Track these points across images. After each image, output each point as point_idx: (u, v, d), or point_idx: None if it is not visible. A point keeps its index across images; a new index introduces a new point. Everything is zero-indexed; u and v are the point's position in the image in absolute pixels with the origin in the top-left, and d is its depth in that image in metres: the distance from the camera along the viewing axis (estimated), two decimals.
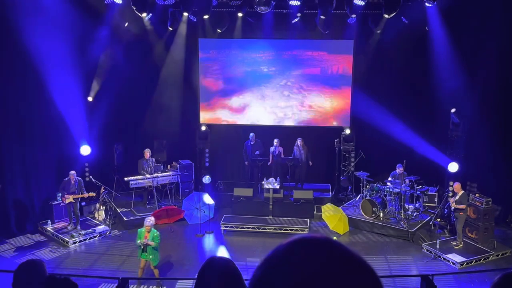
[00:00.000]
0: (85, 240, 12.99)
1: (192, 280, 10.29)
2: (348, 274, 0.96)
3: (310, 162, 15.66)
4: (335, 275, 0.95)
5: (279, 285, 0.96)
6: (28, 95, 13.33)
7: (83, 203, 14.30)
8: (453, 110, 14.09)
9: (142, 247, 10.04)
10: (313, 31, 15.44)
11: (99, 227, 13.65)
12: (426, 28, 14.34)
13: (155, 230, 10.22)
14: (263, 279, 1.01)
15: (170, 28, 15.30)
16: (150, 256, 10.15)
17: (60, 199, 13.46)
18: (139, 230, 10.33)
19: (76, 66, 14.00)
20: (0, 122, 12.98)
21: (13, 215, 13.31)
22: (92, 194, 13.81)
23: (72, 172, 13.31)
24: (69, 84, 13.82)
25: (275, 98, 16.15)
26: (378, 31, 14.92)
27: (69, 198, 13.17)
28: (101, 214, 14.18)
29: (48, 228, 13.44)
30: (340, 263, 0.98)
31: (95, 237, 13.18)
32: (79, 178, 13.49)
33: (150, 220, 10.22)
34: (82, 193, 13.34)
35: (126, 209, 14.61)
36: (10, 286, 3.50)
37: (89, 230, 13.30)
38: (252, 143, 15.66)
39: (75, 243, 12.81)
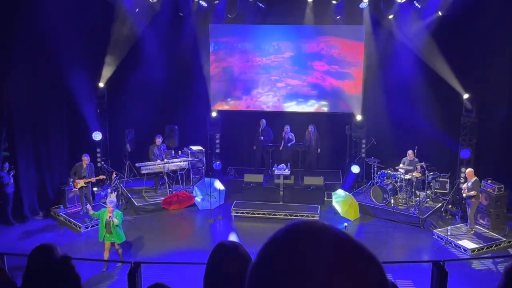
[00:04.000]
0: (97, 225, 13.09)
1: (202, 265, 10.36)
2: (349, 262, 0.96)
3: (319, 150, 15.66)
4: (337, 263, 0.95)
5: (277, 273, 0.96)
6: (40, 82, 13.40)
7: (94, 188, 14.41)
8: (466, 96, 13.96)
9: (106, 229, 10.47)
10: (324, 17, 15.33)
11: None
12: (440, 13, 14.17)
13: (118, 210, 10.86)
14: (262, 267, 1.00)
15: (181, 14, 15.25)
16: (112, 238, 10.58)
17: (71, 184, 13.57)
18: (102, 210, 10.84)
19: (87, 53, 14.04)
20: (13, 108, 13.07)
21: (26, 199, 13.46)
22: (102, 176, 13.92)
23: (86, 156, 13.41)
24: (81, 70, 13.87)
25: (286, 84, 16.09)
26: (391, 16, 14.78)
27: (81, 183, 13.27)
28: (112, 199, 14.27)
29: (61, 213, 13.58)
30: (341, 250, 0.97)
31: None
32: (91, 163, 13.59)
33: (112, 201, 10.78)
34: (92, 177, 13.44)
35: (138, 195, 14.71)
36: (23, 269, 3.55)
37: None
38: (262, 128, 15.67)
39: (87, 227, 12.93)
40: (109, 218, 10.41)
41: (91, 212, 11.13)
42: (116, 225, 10.47)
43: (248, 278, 1.02)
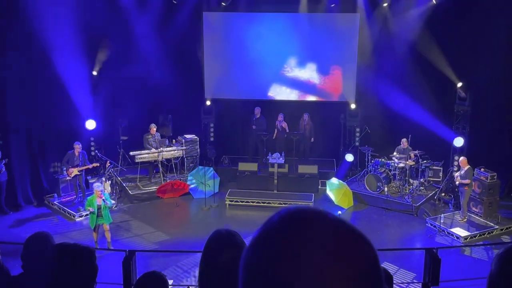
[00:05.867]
0: (92, 212, 13.08)
1: (198, 253, 10.40)
2: (343, 246, 0.96)
3: (312, 139, 15.65)
4: (330, 247, 0.95)
5: (271, 258, 0.97)
6: (33, 70, 13.32)
7: (88, 177, 14.38)
8: (459, 85, 14.00)
9: (97, 214, 10.67)
10: (319, 5, 15.28)
11: None
12: (434, 1, 14.15)
13: (105, 193, 11.07)
14: (256, 253, 1.01)
15: (174, 1, 15.15)
16: (103, 220, 10.85)
17: (65, 173, 13.53)
18: (88, 199, 10.97)
19: (80, 40, 13.95)
20: (6, 96, 13.00)
21: (20, 188, 13.43)
22: (96, 164, 13.89)
23: (78, 144, 13.36)
24: (74, 58, 13.79)
25: (279, 72, 16.04)
26: (385, 4, 14.76)
27: (74, 171, 13.24)
28: (107, 188, 14.23)
29: (55, 202, 13.56)
30: (335, 234, 0.98)
31: None
32: (83, 151, 13.55)
33: (99, 186, 11.00)
34: (85, 165, 13.42)
35: (132, 183, 14.71)
36: (18, 257, 3.55)
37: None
38: (257, 117, 15.65)
39: (81, 216, 12.94)
40: (102, 201, 10.65)
41: (89, 209, 10.99)
42: (108, 207, 10.86)
43: (242, 262, 1.02)
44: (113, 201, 12.76)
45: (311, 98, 16.18)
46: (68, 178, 13.59)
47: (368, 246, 1.00)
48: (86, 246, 2.51)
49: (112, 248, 10.86)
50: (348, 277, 0.93)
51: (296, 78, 16.04)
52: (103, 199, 10.66)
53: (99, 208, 10.67)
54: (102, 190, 10.84)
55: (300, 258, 0.94)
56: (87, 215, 12.89)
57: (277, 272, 0.94)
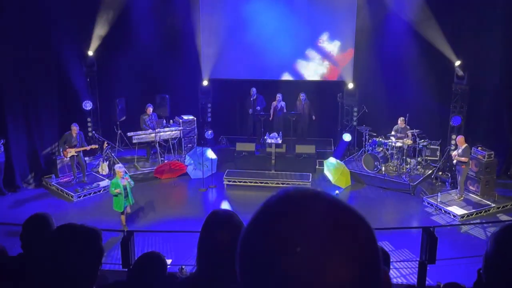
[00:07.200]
0: (89, 194, 13.13)
1: (196, 233, 10.43)
2: (340, 226, 0.96)
3: (314, 117, 15.62)
4: (327, 227, 0.95)
5: (269, 238, 0.97)
6: (30, 50, 13.21)
7: (86, 158, 14.37)
8: (457, 63, 13.94)
9: (124, 195, 10.84)
10: None
11: (102, 181, 13.73)
12: None
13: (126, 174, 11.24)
14: (254, 233, 1.01)
15: None
16: (129, 200, 11.14)
17: (62, 154, 13.49)
18: (112, 181, 10.99)
19: (76, 21, 13.84)
20: (2, 77, 12.92)
21: (18, 169, 13.42)
22: (95, 146, 13.88)
23: (75, 125, 13.33)
24: (70, 39, 13.69)
25: (277, 52, 15.88)
26: None
27: (71, 152, 13.21)
28: (104, 169, 14.25)
29: (53, 182, 13.58)
30: (332, 215, 0.98)
31: (99, 191, 13.29)
32: (81, 132, 13.51)
33: (121, 166, 11.26)
34: (83, 146, 13.39)
35: (129, 164, 14.71)
36: (17, 238, 3.56)
37: (93, 185, 13.41)
38: (254, 97, 15.60)
39: (79, 197, 12.96)
40: (125, 183, 10.84)
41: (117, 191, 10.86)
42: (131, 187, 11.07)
43: (240, 243, 1.02)
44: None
45: (309, 77, 16.08)
46: (65, 159, 13.56)
47: (365, 225, 1.00)
48: (93, 227, 2.50)
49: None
50: (345, 257, 0.94)
51: (293, 57, 15.92)
52: (127, 179, 10.91)
53: (125, 188, 10.83)
54: (124, 170, 11.02)
55: (298, 238, 0.94)
56: (92, 193, 12.99)
57: (274, 251, 0.94)
